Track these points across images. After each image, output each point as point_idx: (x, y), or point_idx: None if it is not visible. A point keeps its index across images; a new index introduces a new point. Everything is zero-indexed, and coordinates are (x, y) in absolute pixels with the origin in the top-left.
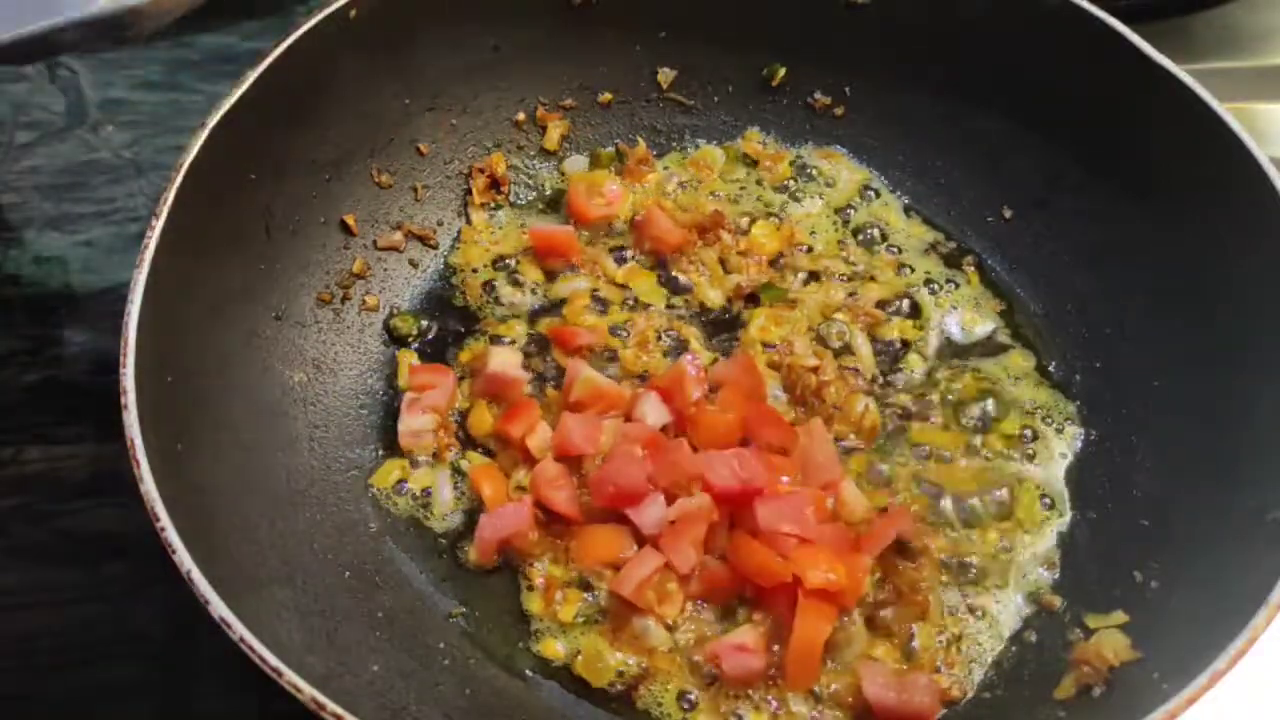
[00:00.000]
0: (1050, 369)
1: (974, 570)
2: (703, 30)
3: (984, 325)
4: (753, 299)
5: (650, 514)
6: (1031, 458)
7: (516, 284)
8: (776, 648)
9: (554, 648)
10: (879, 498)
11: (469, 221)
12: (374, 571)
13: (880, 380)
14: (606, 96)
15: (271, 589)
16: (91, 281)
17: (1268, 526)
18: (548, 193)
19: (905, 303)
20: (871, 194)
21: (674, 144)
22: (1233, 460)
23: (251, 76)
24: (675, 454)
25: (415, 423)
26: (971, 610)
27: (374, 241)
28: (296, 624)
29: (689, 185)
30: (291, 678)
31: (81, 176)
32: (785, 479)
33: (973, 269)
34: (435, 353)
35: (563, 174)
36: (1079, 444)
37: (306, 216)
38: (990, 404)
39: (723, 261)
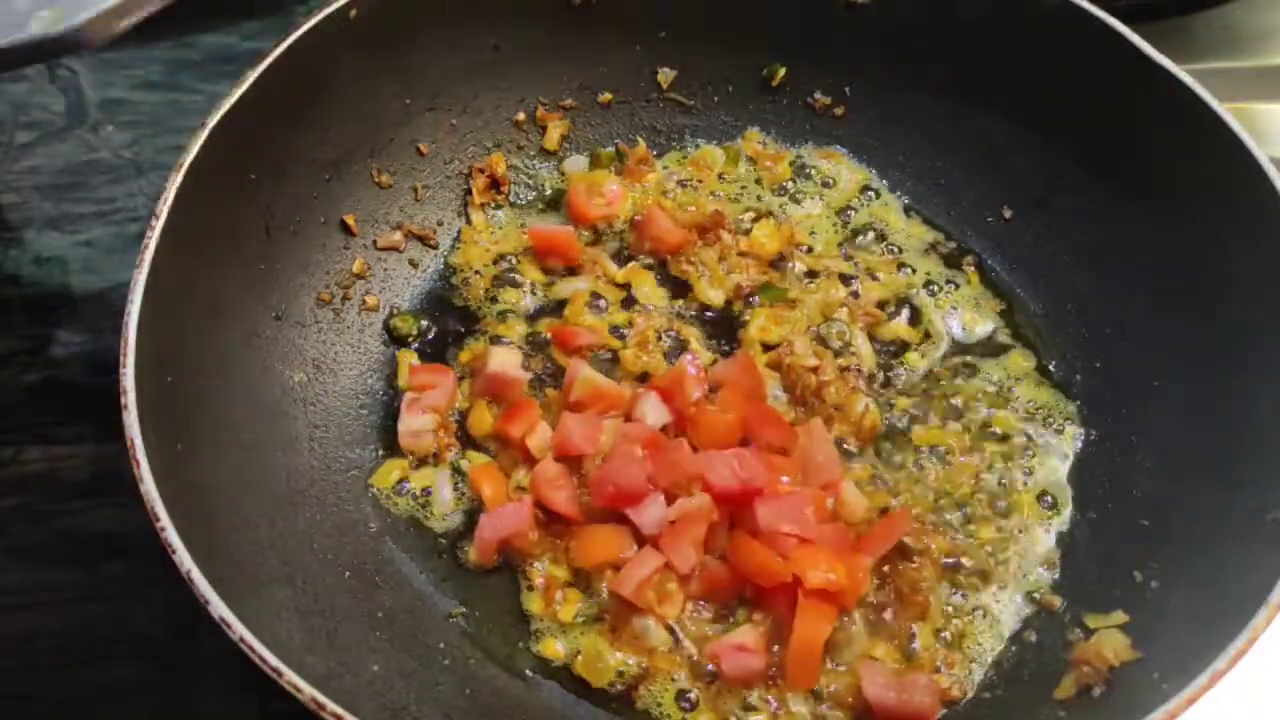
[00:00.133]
0: (1050, 369)
1: (974, 570)
2: (703, 30)
3: (984, 325)
4: (752, 299)
5: (650, 514)
6: (1031, 458)
7: (516, 284)
8: (776, 648)
9: (554, 648)
10: (879, 498)
11: (469, 221)
12: (374, 571)
13: (880, 380)
14: (606, 96)
15: (271, 589)
16: (91, 281)
17: (1268, 526)
18: (548, 193)
19: (906, 309)
20: (871, 194)
21: (674, 144)
22: (1233, 460)
23: (251, 76)
24: (675, 454)
25: (415, 423)
26: (972, 610)
27: (374, 241)
28: (296, 624)
29: (689, 185)
30: (291, 678)
31: (81, 176)
32: (785, 479)
33: (973, 269)
34: (435, 353)
35: (563, 174)
36: (1079, 444)
37: (306, 216)
38: (990, 404)
39: (723, 261)
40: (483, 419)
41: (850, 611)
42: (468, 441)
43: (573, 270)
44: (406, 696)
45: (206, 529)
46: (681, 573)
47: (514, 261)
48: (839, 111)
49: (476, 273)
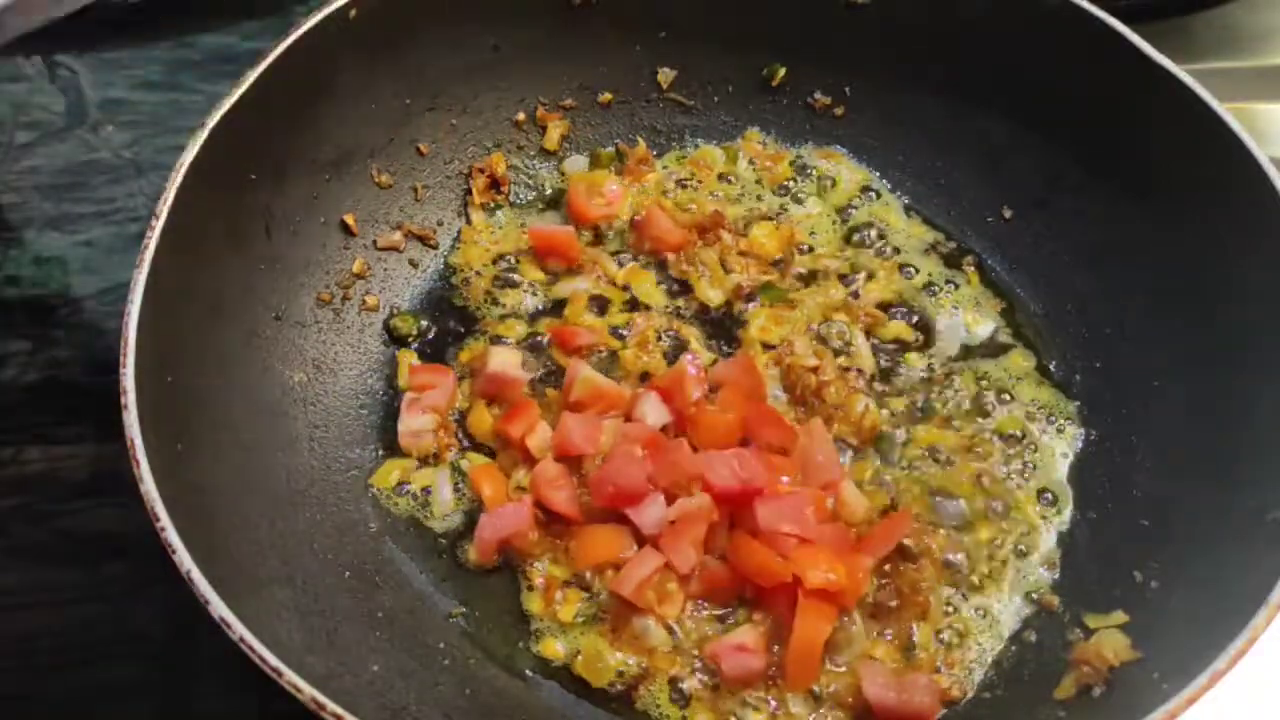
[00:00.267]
0: (1050, 369)
1: (974, 570)
2: (703, 30)
3: (984, 325)
4: (752, 299)
5: (650, 514)
6: (1031, 457)
7: (516, 284)
8: (776, 648)
9: (554, 648)
10: (879, 498)
11: (469, 221)
12: (374, 571)
13: (880, 380)
14: (606, 96)
15: (271, 589)
16: (91, 281)
17: (1268, 526)
18: (548, 193)
19: (906, 309)
20: (871, 194)
21: (674, 144)
22: (1233, 460)
23: (251, 76)
24: (675, 454)
25: (415, 423)
26: (972, 610)
27: (374, 241)
28: (296, 624)
29: (689, 185)
30: (291, 678)
31: (81, 176)
32: (785, 479)
33: (973, 269)
34: (435, 353)
35: (563, 174)
36: (1079, 444)
37: (306, 216)
38: (990, 404)
39: (723, 261)
40: (483, 419)
41: (850, 611)
42: (468, 441)
43: (573, 270)
44: (406, 696)
45: (206, 529)
46: (681, 573)
47: (514, 261)
48: (839, 111)
49: (476, 273)
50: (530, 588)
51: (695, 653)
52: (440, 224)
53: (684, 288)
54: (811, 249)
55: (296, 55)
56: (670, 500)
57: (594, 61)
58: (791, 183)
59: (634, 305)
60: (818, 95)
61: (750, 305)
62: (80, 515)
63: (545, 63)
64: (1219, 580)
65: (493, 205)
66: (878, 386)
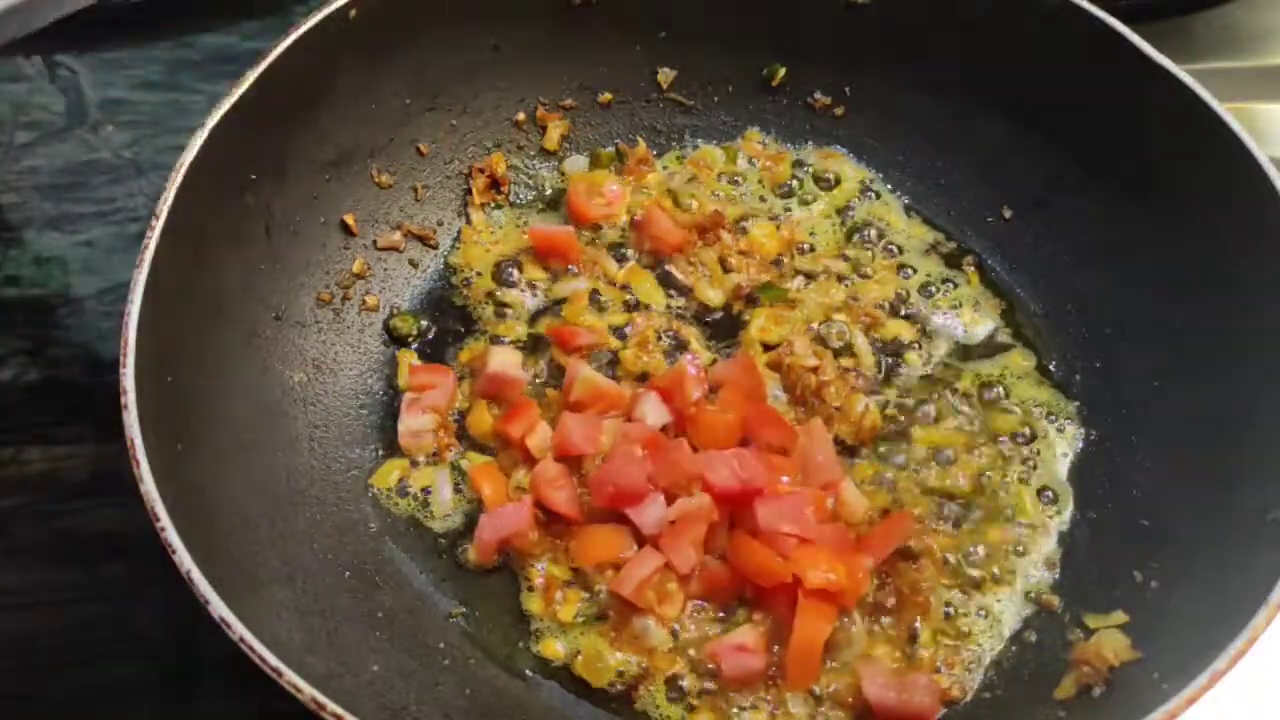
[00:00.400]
0: (1050, 369)
1: (974, 570)
2: (703, 30)
3: (984, 325)
4: (753, 299)
5: (650, 514)
6: (1032, 457)
7: (516, 284)
8: (776, 648)
9: (554, 648)
10: (879, 498)
11: (469, 221)
12: (374, 571)
13: (880, 380)
14: (606, 96)
15: (271, 589)
16: (91, 281)
17: (1268, 526)
18: (548, 193)
19: (906, 310)
20: (871, 194)
21: (674, 144)
22: (1233, 460)
23: (251, 76)
24: (675, 454)
25: (415, 423)
26: (972, 610)
27: (374, 241)
28: (296, 624)
29: (689, 185)
30: (291, 678)
31: (81, 176)
32: (785, 479)
33: (973, 269)
34: (435, 353)
35: (563, 174)
36: (1079, 444)
37: (306, 216)
38: (990, 404)
39: (723, 261)
40: (483, 419)
41: (850, 611)
42: (468, 441)
43: (573, 270)
44: (406, 696)
45: (206, 529)
46: (681, 573)
47: (514, 261)
48: (839, 111)
49: (477, 273)
50: (530, 588)
51: (695, 653)
52: (440, 224)
53: (684, 288)
54: (811, 249)
55: (296, 55)
56: (670, 500)
57: (594, 61)
58: (791, 183)
59: (634, 305)
60: (818, 95)
61: (750, 305)
62: (80, 515)
63: (545, 63)
64: (1219, 580)
65: (493, 205)
66: (878, 387)
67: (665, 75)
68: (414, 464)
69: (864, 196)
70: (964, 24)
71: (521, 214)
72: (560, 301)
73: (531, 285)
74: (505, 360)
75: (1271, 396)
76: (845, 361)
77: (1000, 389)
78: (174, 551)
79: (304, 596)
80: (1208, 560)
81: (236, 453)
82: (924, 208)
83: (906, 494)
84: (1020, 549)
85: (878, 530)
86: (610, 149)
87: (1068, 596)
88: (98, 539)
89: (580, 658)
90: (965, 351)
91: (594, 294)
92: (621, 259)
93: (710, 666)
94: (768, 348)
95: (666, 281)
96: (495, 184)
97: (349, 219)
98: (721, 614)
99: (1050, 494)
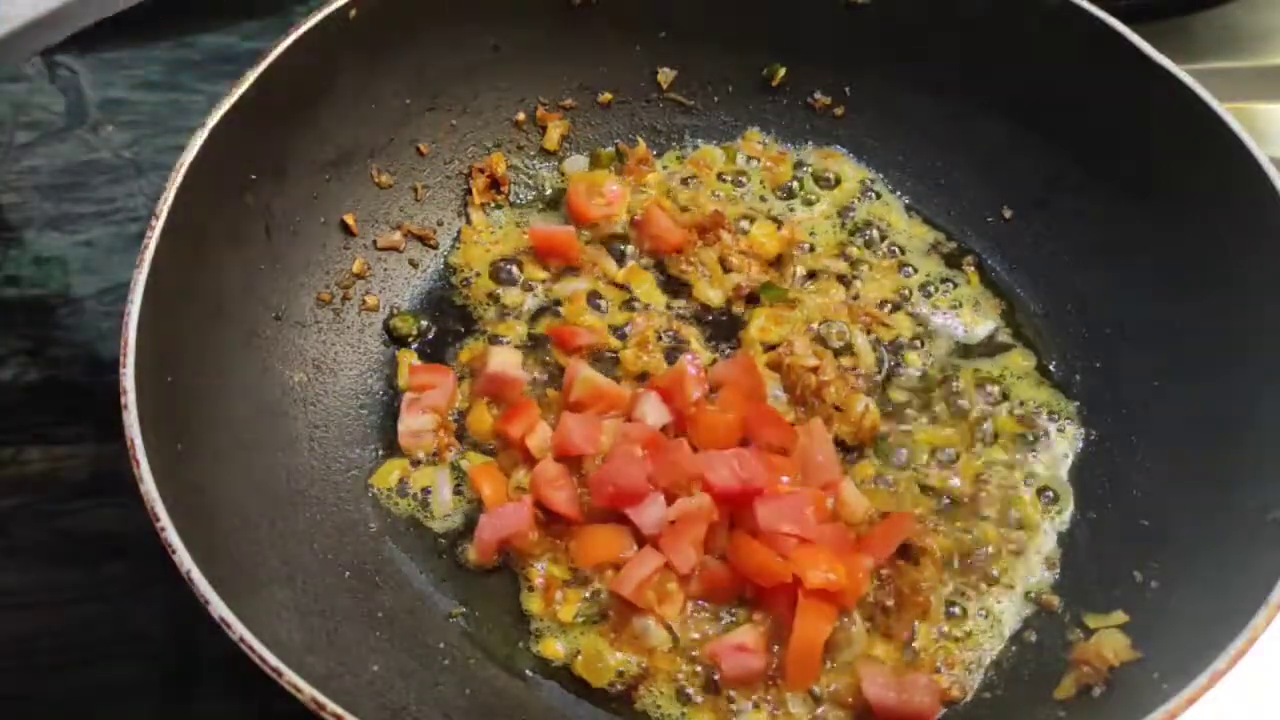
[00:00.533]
0: (1050, 369)
1: (974, 570)
2: (703, 30)
3: (984, 325)
4: (753, 299)
5: (650, 514)
6: (1032, 457)
7: (516, 284)
8: (776, 648)
9: (554, 648)
10: (879, 498)
11: (469, 221)
12: (374, 571)
13: (880, 380)
14: (606, 96)
15: (271, 589)
16: (91, 281)
17: (1268, 526)
18: (548, 193)
19: (906, 310)
20: (872, 194)
21: (674, 144)
22: (1233, 460)
23: (251, 76)
24: (675, 454)
25: (415, 423)
26: (972, 610)
27: (374, 241)
28: (296, 624)
29: (689, 185)
30: (291, 678)
31: (81, 176)
32: (785, 479)
33: (973, 269)
34: (435, 353)
35: (563, 174)
36: (1079, 444)
37: (306, 216)
38: (990, 404)
39: (723, 261)
40: (483, 419)
41: (850, 611)
42: (468, 441)
43: (573, 270)
44: (406, 696)
45: (206, 529)
46: (681, 573)
47: (514, 261)
48: (839, 111)
49: (476, 273)
50: (530, 588)
51: (695, 653)
52: (440, 224)
53: (684, 288)
54: (812, 249)
55: (296, 55)
56: (670, 500)
57: (594, 61)
58: (792, 183)
59: (634, 305)
60: (818, 95)
61: (750, 305)
62: (80, 515)
63: (545, 63)
64: (1219, 580)
65: (493, 205)
66: (878, 387)
67: (665, 75)
68: (414, 464)
69: (864, 196)
70: (964, 24)
71: (521, 214)
72: (560, 301)
73: (531, 285)
74: (505, 360)
75: (1271, 396)
76: (845, 361)
77: (1000, 389)
78: (174, 551)
79: (304, 596)
80: (1208, 560)
81: (236, 453)
82: (924, 208)
83: (906, 494)
84: (1020, 549)
85: (878, 530)
86: (610, 149)
87: (1068, 596)
88: (98, 539)
89: (580, 658)
90: (965, 351)
91: (594, 294)
92: (621, 259)
93: (710, 667)
94: (768, 348)
95: (666, 281)
96: (495, 184)
97: (349, 219)
98: (722, 614)
99: (1050, 494)
